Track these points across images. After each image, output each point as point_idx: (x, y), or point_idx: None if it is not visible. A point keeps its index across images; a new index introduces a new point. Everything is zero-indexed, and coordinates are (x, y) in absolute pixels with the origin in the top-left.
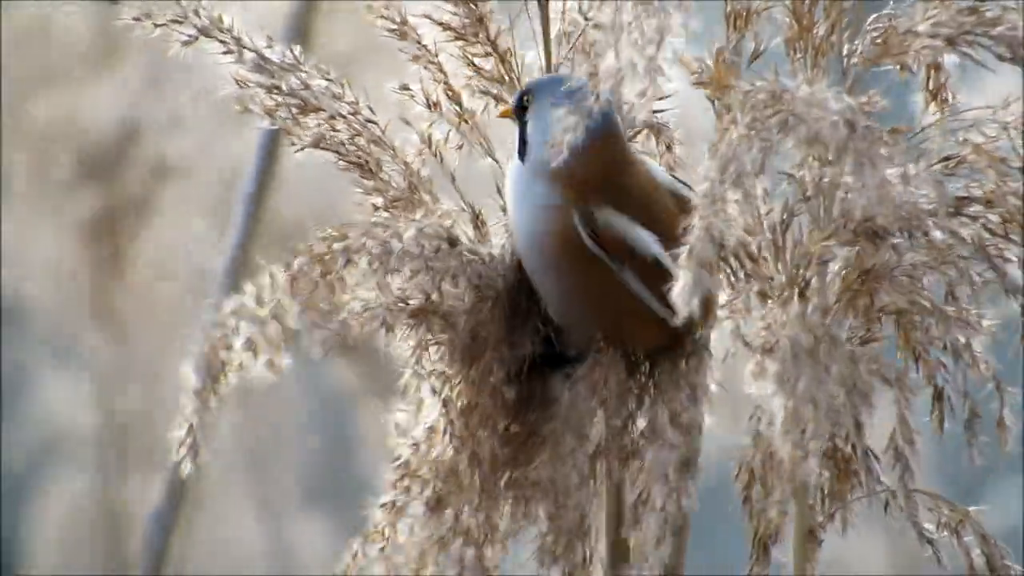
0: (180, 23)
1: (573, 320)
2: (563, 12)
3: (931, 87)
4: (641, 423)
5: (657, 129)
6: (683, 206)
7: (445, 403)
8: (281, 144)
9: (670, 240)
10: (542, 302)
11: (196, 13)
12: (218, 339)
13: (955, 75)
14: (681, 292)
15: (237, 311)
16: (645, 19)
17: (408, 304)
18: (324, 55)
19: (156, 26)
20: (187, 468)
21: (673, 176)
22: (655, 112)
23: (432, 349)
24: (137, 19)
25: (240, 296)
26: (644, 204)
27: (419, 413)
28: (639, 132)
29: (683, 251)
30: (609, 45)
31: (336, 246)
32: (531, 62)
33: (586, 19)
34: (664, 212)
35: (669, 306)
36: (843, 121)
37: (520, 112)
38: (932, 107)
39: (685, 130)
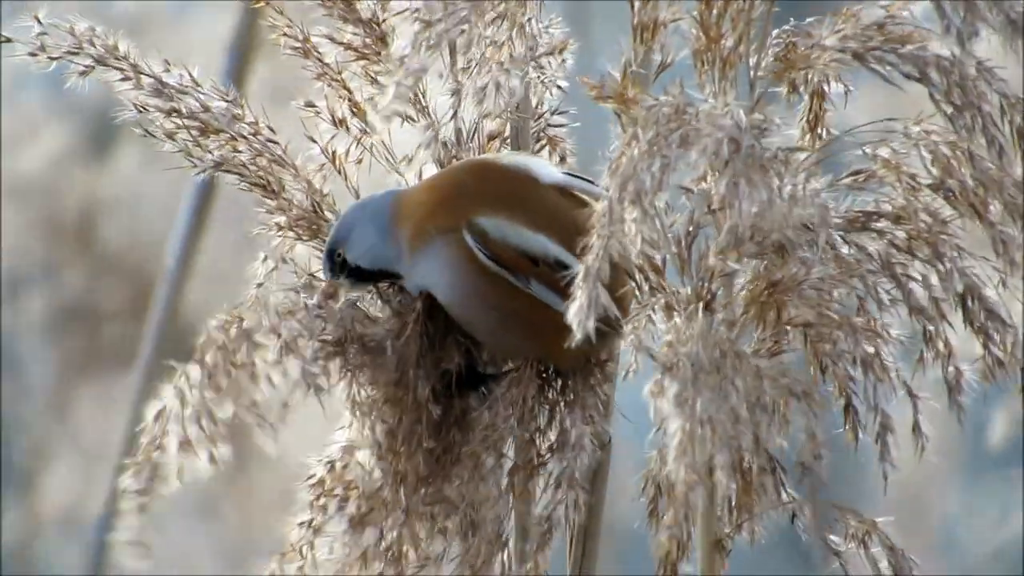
0: (76, 54)
1: (505, 347)
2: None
3: (811, 116)
4: (551, 436)
5: (553, 141)
6: (577, 201)
7: (371, 422)
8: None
9: (567, 237)
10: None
11: (91, 43)
12: (149, 445)
13: (839, 103)
14: (577, 312)
15: (161, 415)
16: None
17: (326, 341)
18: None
19: (51, 59)
20: (131, 567)
21: (567, 173)
22: (552, 125)
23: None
24: (32, 54)
25: (161, 400)
26: (529, 205)
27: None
28: (540, 143)
29: (580, 270)
30: (484, 63)
31: (233, 331)
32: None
33: (486, 39)
34: (554, 211)
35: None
36: (727, 139)
37: (342, 268)
38: (807, 139)
39: (582, 140)
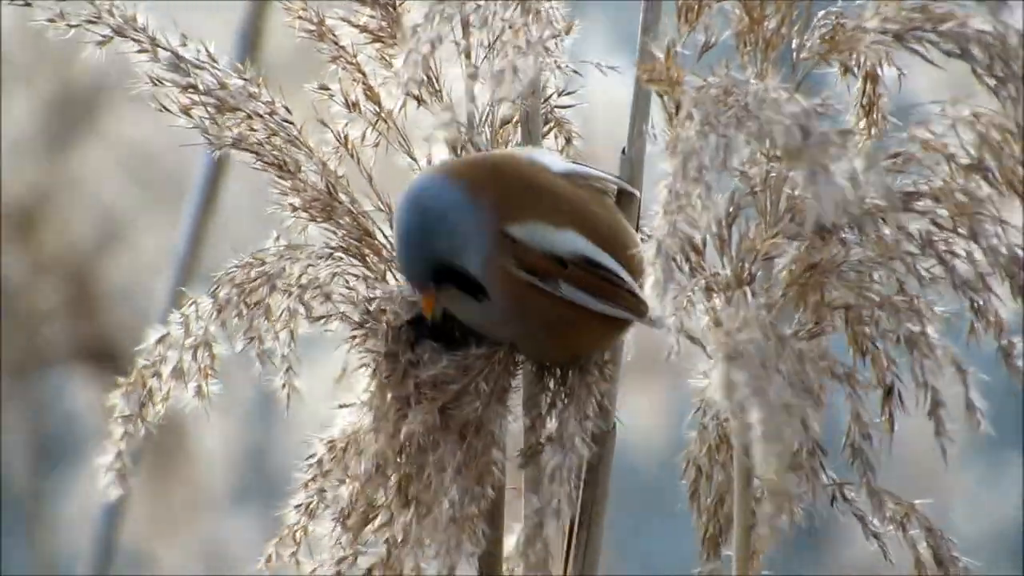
0: (94, 23)
1: (537, 352)
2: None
3: (864, 101)
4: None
5: (559, 123)
6: (590, 190)
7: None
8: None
9: (590, 229)
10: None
11: (110, 13)
12: (145, 368)
13: (893, 89)
14: (654, 286)
15: (163, 340)
16: (533, 25)
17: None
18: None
19: (70, 27)
20: (114, 493)
21: (573, 162)
22: (559, 108)
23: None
24: (51, 20)
25: (166, 326)
26: (551, 201)
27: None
28: (548, 126)
29: (650, 247)
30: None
31: (254, 273)
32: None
33: (503, 20)
34: (574, 202)
35: (612, 300)
36: (797, 126)
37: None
38: (863, 123)
39: (584, 124)
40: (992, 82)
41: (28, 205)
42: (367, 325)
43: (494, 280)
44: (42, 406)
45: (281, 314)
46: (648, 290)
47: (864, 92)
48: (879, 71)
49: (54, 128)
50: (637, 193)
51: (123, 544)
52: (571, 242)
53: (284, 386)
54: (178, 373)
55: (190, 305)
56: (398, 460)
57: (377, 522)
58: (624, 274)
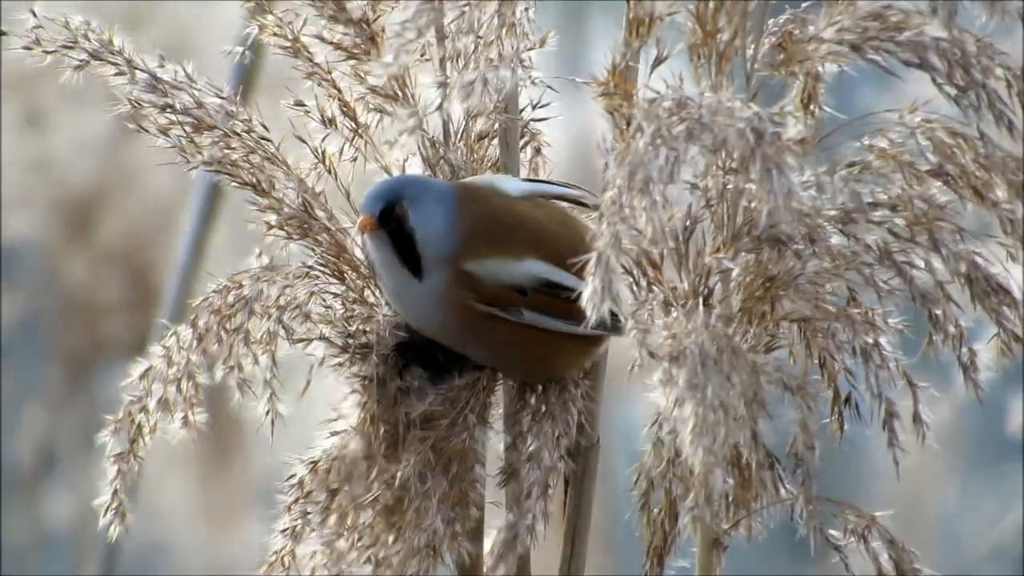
0: (71, 48)
1: (513, 373)
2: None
3: (804, 95)
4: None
5: (533, 135)
6: (549, 207)
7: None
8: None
9: (550, 252)
10: None
11: (86, 37)
12: (132, 403)
13: (832, 83)
14: (591, 296)
15: (146, 374)
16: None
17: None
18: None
19: (47, 53)
20: (115, 532)
21: (530, 180)
22: (535, 120)
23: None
24: (27, 47)
25: (148, 359)
26: (508, 231)
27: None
28: (523, 140)
29: (591, 258)
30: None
31: (231, 297)
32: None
33: (477, 37)
34: (533, 227)
35: (576, 318)
36: (750, 129)
37: (389, 219)
38: (800, 116)
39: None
40: (952, 91)
41: (88, 199)
42: (351, 349)
43: (452, 307)
44: (103, 400)
45: (261, 337)
46: (585, 299)
47: (805, 89)
48: (820, 69)
49: (115, 124)
50: (599, 200)
51: (182, 538)
52: (529, 270)
53: (268, 413)
54: (164, 405)
55: (171, 336)
56: (386, 489)
57: (362, 543)
58: None
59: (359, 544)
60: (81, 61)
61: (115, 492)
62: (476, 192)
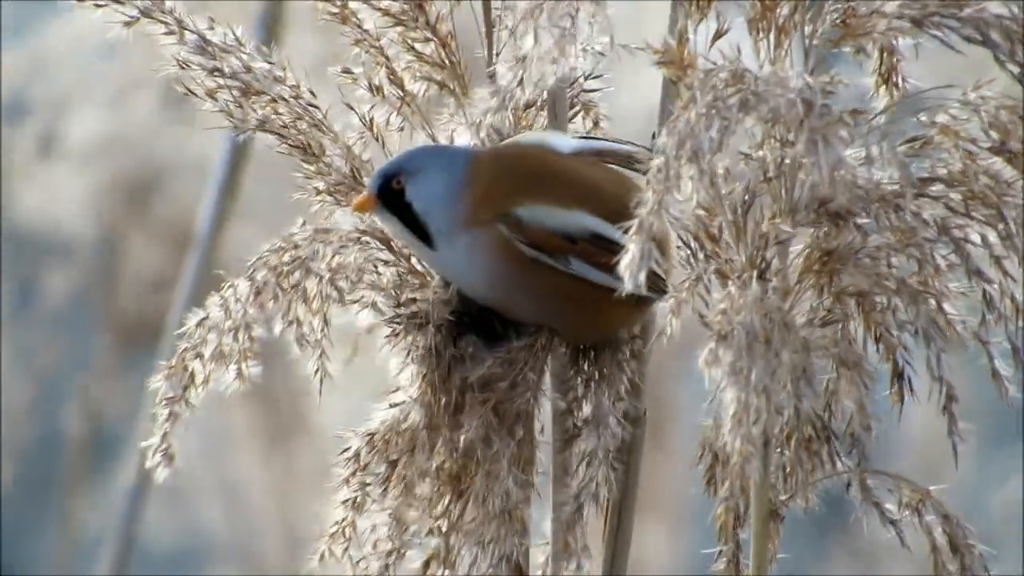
0: (122, 3)
1: (564, 331)
2: None
3: (883, 69)
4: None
5: (586, 106)
6: (602, 167)
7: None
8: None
9: (601, 207)
10: None
11: None
12: (186, 351)
13: (910, 56)
14: (629, 264)
15: (203, 323)
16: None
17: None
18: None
19: (97, 6)
20: (162, 475)
21: (581, 137)
22: (585, 91)
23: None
24: (79, 0)
25: (205, 309)
26: (558, 184)
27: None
28: (574, 110)
29: (633, 224)
30: (527, 31)
31: (287, 256)
32: (471, 45)
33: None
34: (583, 183)
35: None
36: (800, 100)
37: (389, 196)
38: (883, 90)
39: (611, 106)
40: (1015, 69)
41: (144, 176)
42: (403, 318)
43: (491, 260)
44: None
45: (315, 296)
46: (623, 266)
47: (881, 62)
48: (894, 42)
49: (171, 103)
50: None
51: (248, 514)
52: (579, 220)
53: (317, 371)
54: (218, 356)
55: (228, 288)
56: (450, 456)
57: (435, 513)
58: None
59: (428, 514)
60: (131, 17)
61: (164, 435)
62: (515, 149)
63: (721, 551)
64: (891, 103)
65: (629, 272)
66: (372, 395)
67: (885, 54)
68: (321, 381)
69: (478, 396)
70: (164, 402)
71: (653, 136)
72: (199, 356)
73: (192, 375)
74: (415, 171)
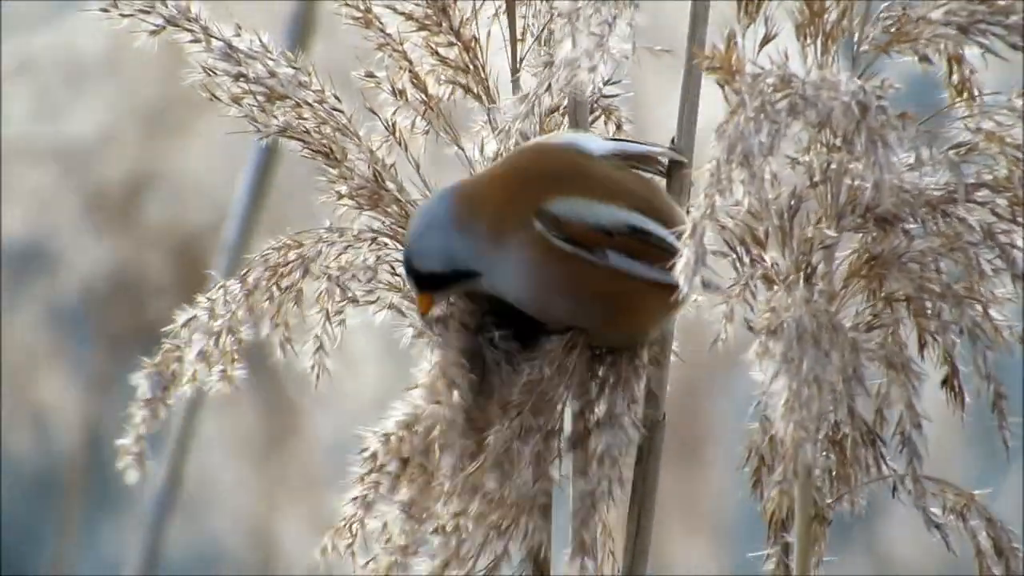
0: (148, 13)
1: (598, 332)
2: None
3: (956, 81)
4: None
5: (608, 111)
6: (630, 171)
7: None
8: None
9: (634, 204)
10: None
11: (163, 2)
12: (170, 351)
13: (979, 67)
14: (684, 268)
15: (189, 323)
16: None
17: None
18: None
19: (123, 16)
20: (133, 476)
21: (613, 139)
22: (606, 96)
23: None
24: (104, 10)
25: (193, 309)
26: (588, 180)
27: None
28: (594, 115)
29: (686, 228)
30: (567, 34)
31: (292, 255)
32: (496, 48)
33: (550, 7)
34: (615, 182)
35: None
36: (855, 103)
37: (427, 281)
38: (959, 101)
39: (634, 109)
40: None
41: (138, 181)
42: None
43: (531, 258)
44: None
45: (319, 296)
46: (678, 269)
47: (951, 73)
48: (960, 51)
49: (163, 107)
50: (685, 160)
51: (244, 521)
52: (613, 214)
53: (314, 367)
54: (203, 357)
55: (218, 289)
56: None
57: (451, 509)
58: (674, 239)
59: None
60: (157, 26)
61: (137, 437)
62: (544, 148)
63: (768, 554)
64: (956, 107)
65: (684, 276)
66: (366, 407)
67: (955, 63)
68: (318, 377)
69: (514, 400)
70: (143, 403)
71: (672, 141)
72: (179, 359)
73: (174, 376)
74: (417, 249)
